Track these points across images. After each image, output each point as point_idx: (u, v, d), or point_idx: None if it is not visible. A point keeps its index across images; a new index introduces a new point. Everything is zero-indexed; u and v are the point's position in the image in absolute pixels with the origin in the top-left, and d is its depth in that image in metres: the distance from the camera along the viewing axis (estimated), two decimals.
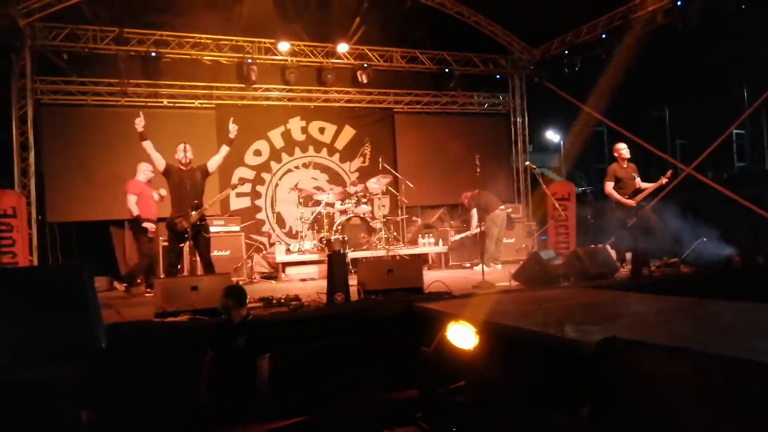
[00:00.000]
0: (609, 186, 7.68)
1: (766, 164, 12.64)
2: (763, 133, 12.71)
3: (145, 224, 7.21)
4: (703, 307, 4.57)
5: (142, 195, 7.31)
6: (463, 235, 9.28)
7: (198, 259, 6.68)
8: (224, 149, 6.82)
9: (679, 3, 8.12)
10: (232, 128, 6.69)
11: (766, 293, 5.17)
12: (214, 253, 7.91)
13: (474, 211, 8.95)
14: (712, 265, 6.97)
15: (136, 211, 7.17)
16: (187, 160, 6.61)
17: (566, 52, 10.41)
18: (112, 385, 4.00)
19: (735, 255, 7.10)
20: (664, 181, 7.51)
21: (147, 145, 6.49)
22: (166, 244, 7.41)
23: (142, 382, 4.21)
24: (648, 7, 8.69)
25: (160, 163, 6.57)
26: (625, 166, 7.73)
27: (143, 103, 9.40)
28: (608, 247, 7.46)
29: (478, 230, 8.86)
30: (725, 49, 8.92)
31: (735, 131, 12.32)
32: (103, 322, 4.14)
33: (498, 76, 11.90)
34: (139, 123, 6.38)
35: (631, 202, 7.54)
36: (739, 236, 7.50)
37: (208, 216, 7.34)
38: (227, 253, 8.64)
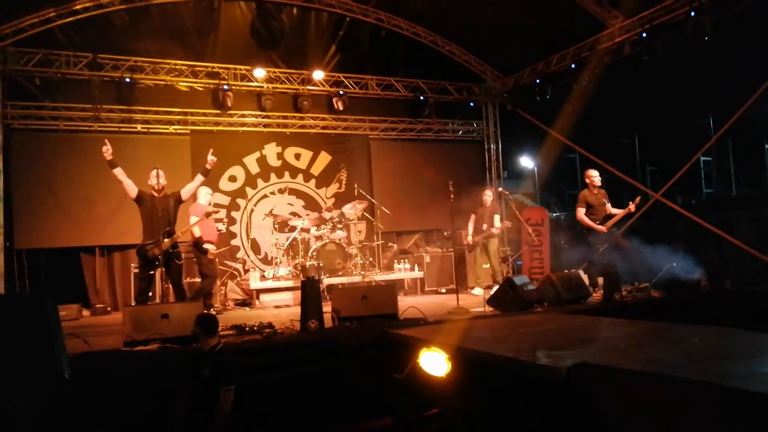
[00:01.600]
0: (580, 212, 7.79)
1: (733, 191, 12.94)
2: (729, 160, 13.03)
3: (206, 245, 7.46)
4: (672, 332, 4.62)
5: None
6: (500, 227, 8.90)
7: (170, 286, 6.60)
8: (199, 178, 6.80)
9: (644, 35, 8.38)
10: (211, 159, 6.68)
11: (733, 317, 5.28)
12: (187, 279, 7.82)
13: (497, 216, 8.96)
14: (682, 289, 7.09)
15: (198, 233, 7.40)
16: (160, 186, 6.56)
17: (538, 80, 10.65)
18: (76, 417, 3.87)
19: (704, 279, 7.23)
20: (632, 207, 7.63)
21: (118, 172, 6.43)
22: (137, 271, 7.30)
23: (109, 413, 4.09)
24: (615, 39, 8.97)
25: (132, 190, 6.50)
26: (596, 192, 7.86)
27: (117, 129, 9.32)
28: (581, 272, 7.55)
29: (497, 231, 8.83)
30: (691, 78, 9.19)
31: (702, 158, 12.61)
32: (66, 352, 4.03)
33: (472, 104, 12.10)
34: (107, 151, 6.33)
35: (602, 227, 7.64)
36: (707, 261, 7.64)
37: (182, 242, 7.26)
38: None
